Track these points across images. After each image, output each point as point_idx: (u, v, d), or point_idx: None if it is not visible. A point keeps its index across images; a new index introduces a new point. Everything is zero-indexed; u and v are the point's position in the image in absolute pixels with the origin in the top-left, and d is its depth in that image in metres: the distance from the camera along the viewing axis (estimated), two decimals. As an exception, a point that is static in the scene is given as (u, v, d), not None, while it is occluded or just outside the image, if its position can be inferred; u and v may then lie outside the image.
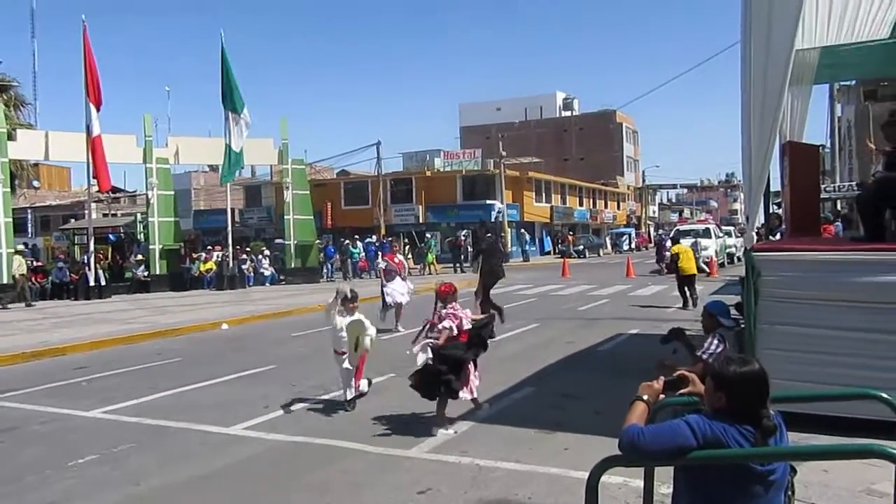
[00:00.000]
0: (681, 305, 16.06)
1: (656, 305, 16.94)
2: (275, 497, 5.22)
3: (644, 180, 75.76)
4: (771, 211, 12.71)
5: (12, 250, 22.99)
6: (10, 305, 20.94)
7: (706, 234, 29.96)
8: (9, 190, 24.41)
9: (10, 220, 23.67)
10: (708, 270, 24.57)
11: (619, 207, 69.21)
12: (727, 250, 31.33)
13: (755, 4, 5.99)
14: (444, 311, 6.95)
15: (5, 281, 22.30)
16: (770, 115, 6.24)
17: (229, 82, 25.08)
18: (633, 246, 55.37)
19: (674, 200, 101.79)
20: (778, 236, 10.89)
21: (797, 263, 6.05)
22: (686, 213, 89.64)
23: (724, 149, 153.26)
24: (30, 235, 48.00)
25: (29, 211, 51.35)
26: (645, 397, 2.88)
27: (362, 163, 68.43)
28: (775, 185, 11.58)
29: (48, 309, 20.17)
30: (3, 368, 11.23)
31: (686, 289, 16.15)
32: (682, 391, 3.07)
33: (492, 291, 13.77)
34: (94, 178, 24.19)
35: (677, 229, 33.31)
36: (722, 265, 28.75)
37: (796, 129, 9.82)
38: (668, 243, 23.27)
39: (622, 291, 20.46)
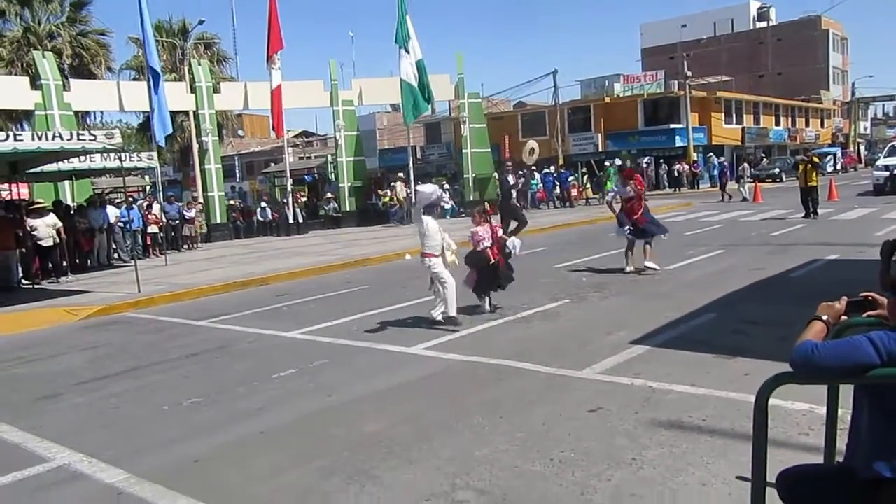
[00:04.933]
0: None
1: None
2: (451, 410, 5.50)
3: (854, 93, 67.81)
4: None
5: (223, 192, 25.68)
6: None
7: (926, 148, 26.48)
8: (217, 139, 26.98)
9: (220, 166, 26.23)
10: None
11: (822, 125, 62.76)
12: (954, 166, 27.49)
13: None
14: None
15: (218, 220, 24.85)
16: None
17: (403, 21, 25.49)
18: (838, 167, 50.28)
19: (891, 114, 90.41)
20: None
21: None
22: (905, 127, 79.46)
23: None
24: (237, 180, 52.77)
25: (235, 158, 56.34)
26: (824, 317, 2.67)
27: (540, 93, 67.44)
28: None
29: (254, 245, 22.24)
30: (217, 296, 12.64)
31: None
32: (868, 313, 2.80)
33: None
34: (272, 127, 26.02)
35: (892, 145, 29.68)
36: (947, 184, 25.34)
37: None
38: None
39: (823, 216, 18.76)
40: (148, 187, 40.20)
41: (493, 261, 8.87)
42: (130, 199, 21.49)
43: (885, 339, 2.37)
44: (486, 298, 9.17)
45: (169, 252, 19.63)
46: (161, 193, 25.26)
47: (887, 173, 25.74)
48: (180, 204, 23.32)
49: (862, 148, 64.89)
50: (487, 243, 8.91)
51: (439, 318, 8.49)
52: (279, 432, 5.35)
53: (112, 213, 19.34)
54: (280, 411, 5.84)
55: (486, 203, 10.65)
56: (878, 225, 15.92)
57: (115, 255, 19.60)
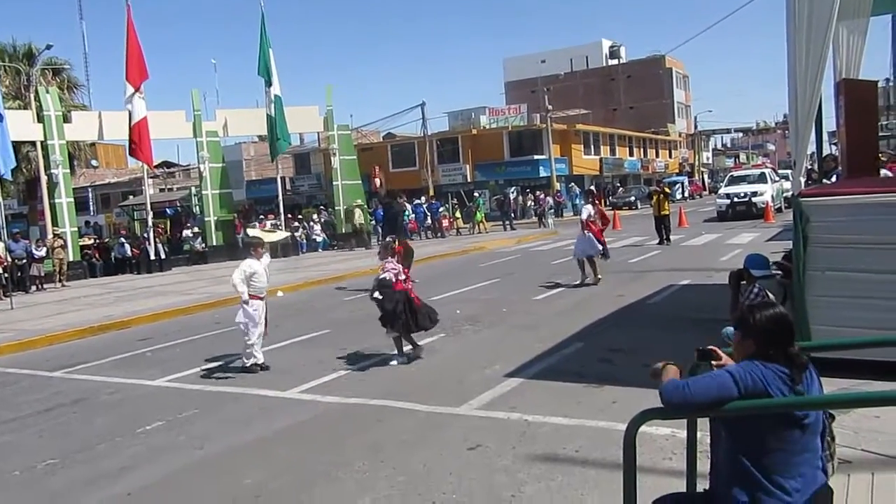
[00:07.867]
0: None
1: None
2: (330, 457, 5.41)
3: (696, 126, 73.61)
4: (828, 152, 12.24)
5: (75, 228, 24.07)
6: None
7: (761, 178, 29.14)
8: (68, 170, 25.29)
9: (72, 199, 24.57)
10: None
11: (671, 156, 67.63)
12: (784, 195, 30.37)
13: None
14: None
15: (71, 258, 23.20)
16: (817, 52, 6.01)
17: (265, 54, 25.25)
18: (686, 195, 54.21)
19: (729, 145, 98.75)
20: (833, 178, 10.52)
21: (848, 207, 5.86)
22: (742, 157, 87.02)
23: (782, 89, 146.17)
24: (91, 213, 49.58)
25: (89, 189, 52.92)
26: (674, 362, 2.91)
27: (408, 124, 68.07)
28: (833, 126, 11.20)
29: (112, 284, 20.95)
30: (72, 343, 11.77)
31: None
32: (714, 363, 3.07)
33: None
34: (131, 155, 25.15)
35: (731, 175, 32.40)
36: (779, 210, 27.95)
37: (853, 66, 9.42)
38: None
39: (675, 242, 20.12)
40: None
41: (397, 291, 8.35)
42: (-31, 237, 19.70)
43: (742, 373, 2.63)
44: (400, 340, 8.48)
45: (15, 294, 18.12)
46: (5, 230, 23.29)
47: (728, 201, 28.05)
48: (27, 241, 21.60)
49: (706, 176, 70.29)
50: (388, 276, 8.40)
51: (252, 362, 8.39)
52: (147, 493, 5.05)
53: (-53, 253, 17.63)
54: (147, 469, 5.51)
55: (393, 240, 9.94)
56: (723, 250, 17.26)
57: (-49, 300, 17.84)
